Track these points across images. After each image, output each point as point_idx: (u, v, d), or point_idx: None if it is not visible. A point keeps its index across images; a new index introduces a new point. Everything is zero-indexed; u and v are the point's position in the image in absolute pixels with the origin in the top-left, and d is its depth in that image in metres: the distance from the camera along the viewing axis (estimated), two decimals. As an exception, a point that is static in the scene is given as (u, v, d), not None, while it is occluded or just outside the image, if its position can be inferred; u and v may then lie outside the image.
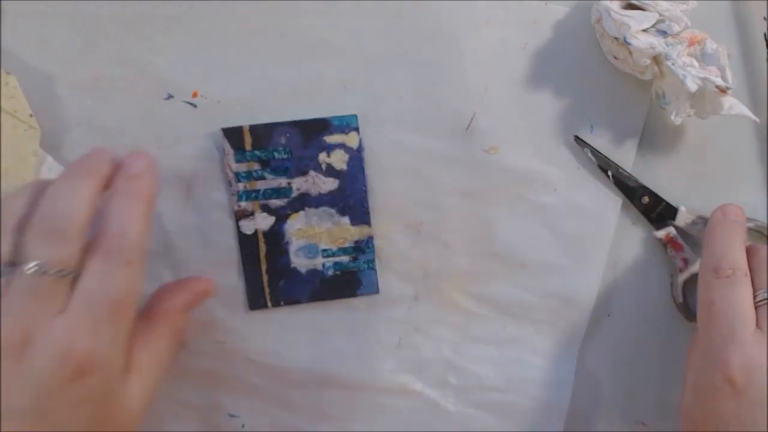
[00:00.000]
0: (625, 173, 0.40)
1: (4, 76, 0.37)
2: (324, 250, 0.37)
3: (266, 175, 0.36)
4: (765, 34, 0.40)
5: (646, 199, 0.40)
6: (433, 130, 0.40)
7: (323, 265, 0.37)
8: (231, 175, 0.37)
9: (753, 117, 0.37)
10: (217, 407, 0.41)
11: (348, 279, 0.38)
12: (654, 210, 0.40)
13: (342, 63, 0.39)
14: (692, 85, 0.36)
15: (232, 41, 0.39)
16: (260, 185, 0.36)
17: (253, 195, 0.36)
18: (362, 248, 0.37)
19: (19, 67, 0.38)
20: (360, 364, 0.41)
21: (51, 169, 0.39)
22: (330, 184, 0.35)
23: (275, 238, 0.37)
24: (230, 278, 0.40)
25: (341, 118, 0.35)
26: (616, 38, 0.37)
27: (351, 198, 0.36)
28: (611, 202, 0.40)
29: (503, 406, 0.42)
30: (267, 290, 0.38)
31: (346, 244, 0.36)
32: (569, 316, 0.41)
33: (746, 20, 0.40)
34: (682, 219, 0.40)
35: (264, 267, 0.37)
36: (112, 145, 0.39)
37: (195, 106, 0.39)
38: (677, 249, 0.40)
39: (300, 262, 0.37)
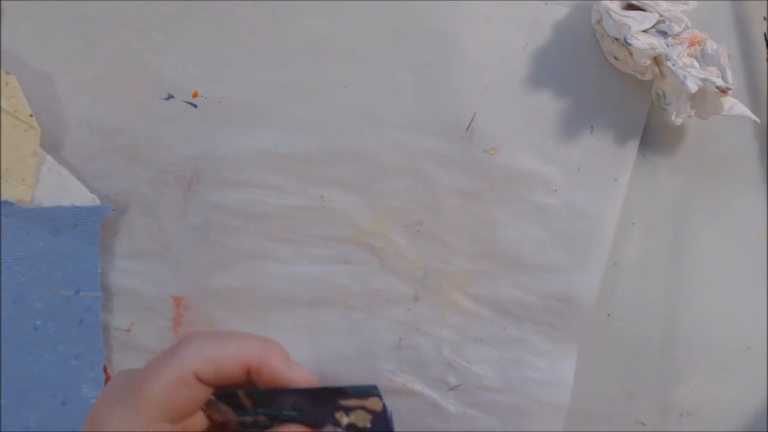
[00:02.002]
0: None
1: (4, 76, 0.37)
2: None
3: (276, 426, 0.30)
4: (765, 34, 0.40)
5: None
6: (433, 130, 0.40)
7: None
8: (235, 425, 0.32)
9: (753, 117, 0.37)
10: (217, 407, 0.41)
11: None
12: None
13: (342, 63, 0.39)
14: (693, 86, 0.36)
15: (232, 41, 0.39)
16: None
17: None
18: None
19: (19, 67, 0.38)
20: (360, 364, 0.41)
21: (51, 169, 0.39)
22: None
23: None
24: (229, 279, 0.40)
25: (357, 387, 0.29)
26: (616, 39, 0.37)
27: None
28: (611, 202, 0.40)
29: (503, 406, 0.42)
30: None
31: None
32: (569, 316, 0.41)
33: (746, 20, 0.40)
34: None
35: None
36: (112, 145, 0.39)
37: (195, 106, 0.39)
38: None
39: None
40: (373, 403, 0.29)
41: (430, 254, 0.41)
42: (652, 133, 0.40)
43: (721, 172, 0.41)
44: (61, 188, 0.39)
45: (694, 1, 0.38)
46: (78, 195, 0.39)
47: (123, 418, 0.28)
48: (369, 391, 0.29)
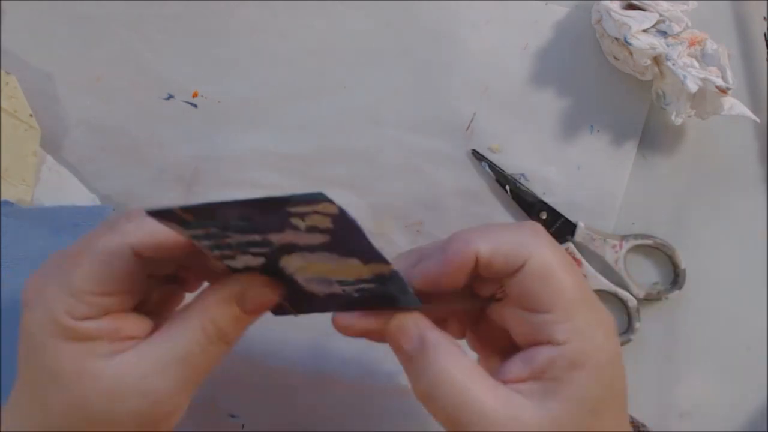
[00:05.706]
0: (523, 188, 0.39)
1: (4, 76, 0.37)
2: (340, 281, 0.29)
3: (230, 234, 0.27)
4: (765, 34, 0.40)
5: (544, 215, 0.39)
6: (433, 130, 0.40)
7: (344, 290, 0.29)
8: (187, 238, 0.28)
9: (753, 117, 0.37)
10: (217, 407, 0.41)
11: (381, 297, 0.30)
12: (553, 225, 0.39)
13: (342, 63, 0.39)
14: (692, 86, 0.36)
15: (232, 41, 0.39)
16: (229, 241, 0.28)
17: (226, 246, 0.28)
18: (385, 280, 0.28)
19: (19, 67, 0.38)
20: (360, 364, 0.41)
21: (51, 169, 0.39)
22: (318, 238, 0.27)
23: (274, 269, 0.29)
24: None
25: (302, 195, 0.24)
26: (616, 38, 0.37)
27: (352, 244, 0.27)
28: (611, 201, 0.40)
29: (503, 406, 0.42)
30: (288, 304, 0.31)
31: (365, 277, 0.28)
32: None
33: (746, 20, 0.40)
34: (580, 235, 0.39)
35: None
36: (112, 145, 0.39)
37: (195, 106, 0.39)
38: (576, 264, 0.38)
39: (315, 288, 0.30)
40: (326, 208, 0.25)
41: (430, 254, 0.40)
42: (652, 133, 0.40)
43: (721, 172, 0.41)
44: (61, 188, 0.39)
45: (694, 1, 0.38)
46: (78, 195, 0.39)
47: (54, 293, 0.27)
48: (316, 198, 0.25)
